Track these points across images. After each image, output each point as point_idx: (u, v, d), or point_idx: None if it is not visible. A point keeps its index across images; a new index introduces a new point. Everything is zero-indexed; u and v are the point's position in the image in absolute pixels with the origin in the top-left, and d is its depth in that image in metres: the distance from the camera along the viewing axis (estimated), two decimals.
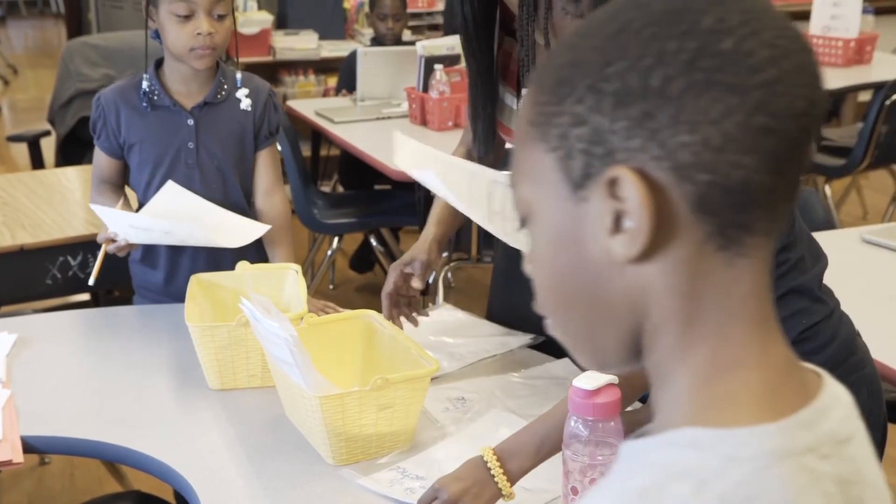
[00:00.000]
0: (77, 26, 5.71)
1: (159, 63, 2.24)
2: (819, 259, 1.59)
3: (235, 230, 2.11)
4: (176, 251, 2.25)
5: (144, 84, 2.20)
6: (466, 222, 2.10)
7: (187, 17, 2.10)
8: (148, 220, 2.07)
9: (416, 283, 2.05)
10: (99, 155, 2.29)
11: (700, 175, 0.68)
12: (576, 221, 0.72)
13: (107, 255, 2.14)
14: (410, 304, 2.00)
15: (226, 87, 2.21)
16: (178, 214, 2.09)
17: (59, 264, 2.72)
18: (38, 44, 11.28)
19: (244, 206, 2.26)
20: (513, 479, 1.45)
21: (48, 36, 11.39)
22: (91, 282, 2.16)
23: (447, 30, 4.80)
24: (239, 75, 2.23)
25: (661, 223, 0.69)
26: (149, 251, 2.27)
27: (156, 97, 2.21)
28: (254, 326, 1.67)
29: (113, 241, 2.10)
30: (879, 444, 1.61)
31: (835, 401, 0.73)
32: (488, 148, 2.03)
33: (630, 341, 0.74)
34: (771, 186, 0.69)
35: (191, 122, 2.19)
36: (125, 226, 2.07)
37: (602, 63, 0.70)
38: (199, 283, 2.02)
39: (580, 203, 0.71)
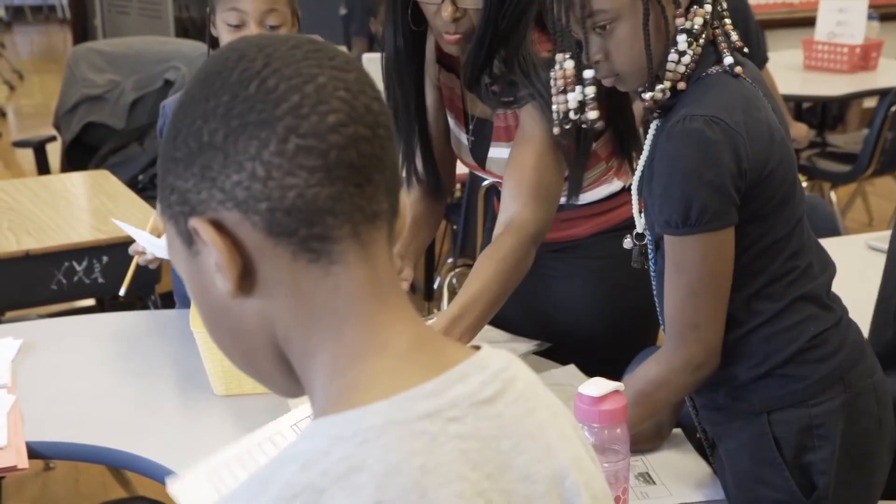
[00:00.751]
0: (83, 32, 5.72)
1: None
2: (827, 267, 1.59)
3: None
4: None
5: None
6: (471, 230, 2.10)
7: (238, 27, 2.09)
8: (159, 240, 2.06)
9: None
10: None
11: (259, 205, 0.77)
12: (198, 275, 0.82)
13: (138, 267, 2.14)
14: None
15: None
16: None
17: (64, 269, 2.72)
18: (44, 49, 11.30)
19: None
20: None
21: (54, 41, 11.41)
22: (122, 291, 2.16)
23: None
24: None
25: (246, 254, 0.79)
26: None
27: None
28: None
29: (142, 253, 2.10)
30: (891, 450, 1.60)
31: (477, 368, 0.81)
32: (432, 173, 2.05)
33: (280, 362, 0.83)
34: (332, 195, 0.77)
35: None
36: (146, 242, 2.06)
37: (173, 137, 0.81)
38: None
39: (195, 258, 0.82)
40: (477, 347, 0.84)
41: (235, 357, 0.87)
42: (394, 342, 0.80)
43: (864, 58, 4.94)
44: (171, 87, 4.11)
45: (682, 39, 1.46)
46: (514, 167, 1.84)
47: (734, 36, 1.51)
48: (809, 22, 5.15)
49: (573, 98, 1.53)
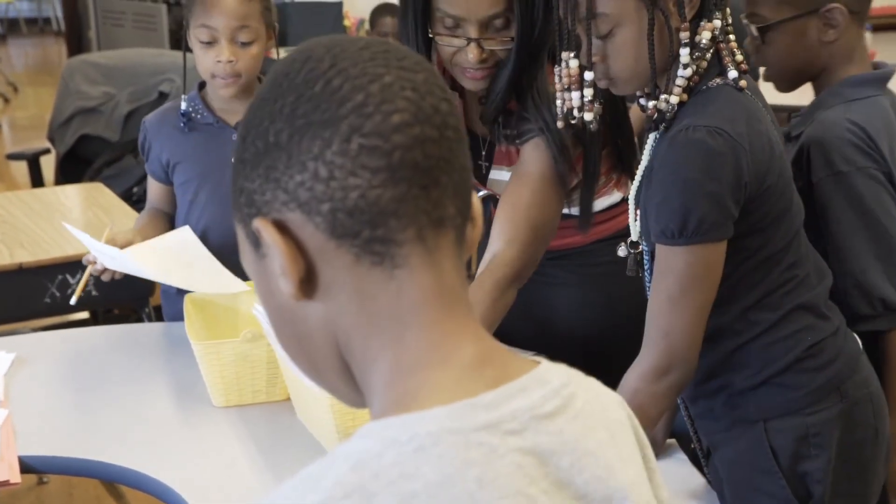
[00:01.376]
0: (77, 44, 5.73)
1: (202, 84, 2.25)
2: (824, 276, 1.59)
3: (216, 281, 2.07)
4: None
5: (183, 105, 2.22)
6: None
7: (210, 44, 2.10)
8: (112, 250, 2.03)
9: None
10: (149, 180, 2.33)
11: (322, 206, 0.76)
12: (265, 278, 0.82)
13: (92, 277, 2.12)
14: None
15: None
16: (173, 256, 2.08)
17: (57, 283, 2.71)
18: (39, 61, 11.30)
19: None
20: None
21: (49, 54, 11.40)
22: (73, 301, 2.16)
23: None
24: None
25: (309, 257, 0.78)
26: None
27: (199, 116, 2.22)
28: (267, 332, 1.67)
29: (94, 263, 2.07)
30: (887, 460, 1.60)
31: (538, 382, 0.79)
32: None
33: (343, 371, 0.82)
34: (396, 196, 0.76)
35: (235, 137, 2.19)
36: (97, 251, 2.05)
37: (242, 138, 0.81)
38: (194, 303, 2.01)
39: (262, 260, 0.81)
40: (537, 361, 0.82)
41: (302, 363, 0.85)
42: (458, 353, 0.78)
43: None
44: (167, 98, 4.11)
45: (684, 53, 1.45)
46: (508, 201, 1.82)
47: (739, 56, 1.50)
48: None
49: (577, 97, 1.53)
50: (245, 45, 2.11)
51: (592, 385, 0.85)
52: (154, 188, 2.32)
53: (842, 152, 1.68)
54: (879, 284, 1.69)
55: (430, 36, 1.77)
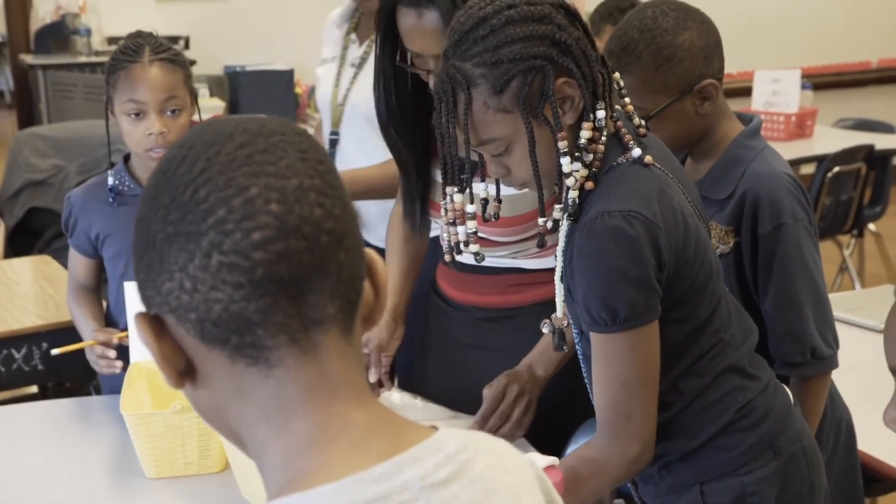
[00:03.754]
0: (28, 116, 5.71)
1: (128, 157, 2.25)
2: (749, 333, 1.61)
3: None
4: None
5: (110, 179, 2.21)
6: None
7: (138, 116, 2.10)
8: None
9: (371, 375, 2.03)
10: (73, 256, 2.29)
11: (189, 314, 0.76)
12: None
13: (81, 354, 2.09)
14: None
15: None
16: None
17: (2, 357, 2.68)
18: None
19: None
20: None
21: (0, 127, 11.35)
22: (55, 352, 2.11)
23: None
24: None
25: (186, 353, 0.79)
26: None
27: (127, 188, 2.21)
28: None
29: (107, 346, 2.04)
30: None
31: (432, 450, 0.79)
32: (426, 228, 2.06)
33: (238, 442, 0.83)
34: (261, 308, 0.75)
35: None
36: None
37: (137, 221, 0.82)
38: (139, 371, 2.00)
39: None
40: (435, 428, 0.82)
41: (215, 430, 0.86)
42: (348, 431, 0.78)
43: (800, 126, 5.06)
44: None
45: (565, 162, 1.45)
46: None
47: (636, 119, 1.53)
48: (746, 92, 5.27)
49: (462, 231, 1.55)
50: (173, 114, 2.12)
51: (497, 447, 0.85)
52: (80, 264, 2.29)
53: (788, 205, 1.73)
54: (811, 333, 1.75)
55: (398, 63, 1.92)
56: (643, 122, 1.55)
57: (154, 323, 0.79)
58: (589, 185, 1.47)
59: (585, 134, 1.46)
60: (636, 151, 1.48)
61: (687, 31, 1.74)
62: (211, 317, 0.76)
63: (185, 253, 0.76)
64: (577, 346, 1.61)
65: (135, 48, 2.11)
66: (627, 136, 1.50)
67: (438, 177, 2.00)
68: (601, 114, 1.47)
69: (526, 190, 1.81)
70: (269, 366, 0.77)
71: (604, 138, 1.47)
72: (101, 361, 2.07)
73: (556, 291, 1.59)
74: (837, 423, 1.92)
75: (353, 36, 2.61)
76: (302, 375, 0.77)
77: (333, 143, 2.68)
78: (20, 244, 4.21)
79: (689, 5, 1.81)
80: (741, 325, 1.60)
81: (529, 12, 1.42)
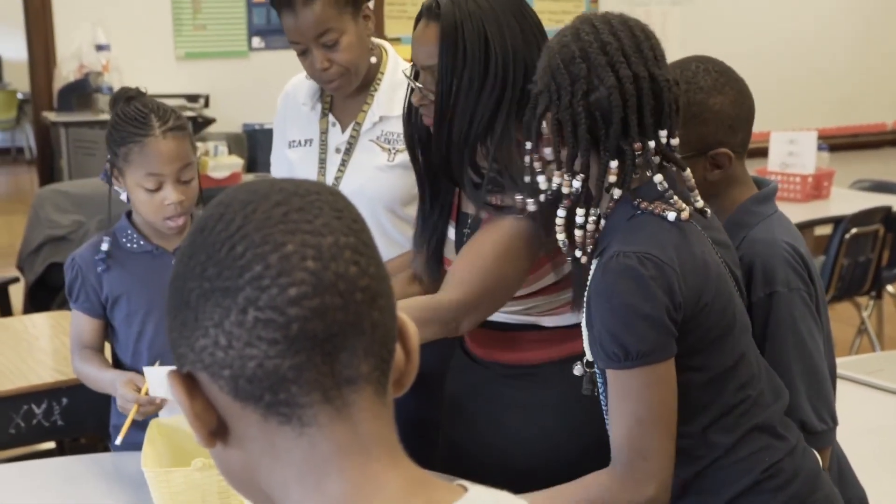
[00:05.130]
0: (49, 173, 5.75)
1: (129, 213, 2.24)
2: (780, 394, 1.60)
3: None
4: None
5: (105, 245, 2.19)
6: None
7: (156, 189, 2.10)
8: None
9: None
10: (78, 318, 2.24)
11: (223, 371, 0.76)
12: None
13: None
14: None
15: None
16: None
17: (22, 413, 2.69)
18: (11, 190, 11.33)
19: None
20: None
21: (21, 182, 11.45)
22: (118, 441, 2.06)
23: None
24: None
25: (218, 412, 0.79)
26: None
27: (135, 245, 2.20)
28: None
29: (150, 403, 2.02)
30: None
31: None
32: (433, 273, 2.05)
33: (267, 503, 0.82)
34: (295, 365, 0.75)
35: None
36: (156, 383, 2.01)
37: (171, 280, 0.81)
38: (160, 428, 2.00)
39: None
40: (465, 487, 0.82)
41: (244, 495, 0.86)
42: (382, 491, 0.78)
43: (817, 187, 5.07)
44: None
45: (579, 213, 1.53)
46: (470, 245, 1.87)
47: (699, 201, 1.55)
48: (762, 153, 5.29)
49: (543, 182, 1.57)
50: (186, 182, 2.13)
51: None
52: (88, 325, 2.23)
53: (782, 273, 1.72)
54: (802, 406, 1.71)
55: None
56: (706, 209, 1.57)
57: (187, 381, 0.79)
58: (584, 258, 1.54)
59: (576, 184, 1.52)
60: (671, 215, 1.50)
61: (721, 95, 1.75)
62: (245, 373, 0.76)
63: (221, 309, 0.76)
64: (598, 386, 1.60)
65: (142, 119, 2.09)
66: (673, 200, 1.51)
67: (452, 234, 2.03)
68: (594, 170, 1.51)
69: None
70: (302, 424, 0.77)
71: (616, 193, 1.51)
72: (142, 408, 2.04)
73: (584, 335, 1.60)
74: None
75: (332, 118, 2.40)
76: (335, 434, 0.77)
77: None
78: (40, 299, 4.23)
79: (735, 72, 1.81)
80: (771, 384, 1.59)
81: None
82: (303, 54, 2.23)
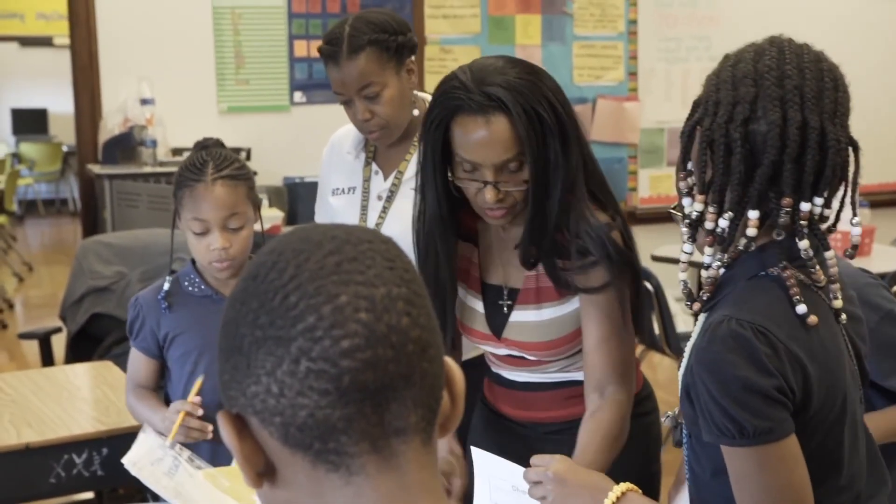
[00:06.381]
0: (93, 224, 5.83)
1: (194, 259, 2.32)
2: (882, 483, 1.50)
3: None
4: None
5: (166, 286, 2.29)
6: None
7: (203, 234, 2.18)
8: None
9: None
10: (136, 357, 2.35)
11: (274, 418, 0.77)
12: None
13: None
14: None
15: None
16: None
17: (63, 462, 2.70)
18: (54, 241, 11.50)
19: None
20: None
21: (64, 233, 11.62)
22: (168, 442, 2.18)
23: None
24: None
25: (266, 457, 0.79)
26: None
27: (196, 288, 2.29)
28: None
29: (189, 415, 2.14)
30: None
31: None
32: (453, 344, 2.05)
33: None
34: (345, 416, 0.76)
35: None
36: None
37: (223, 324, 0.82)
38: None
39: None
40: None
41: None
42: None
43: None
44: None
45: (708, 252, 1.39)
46: (596, 343, 1.87)
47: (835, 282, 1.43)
48: None
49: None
50: (235, 230, 2.17)
51: None
52: (144, 364, 2.35)
53: (876, 295, 1.77)
54: None
55: (450, 178, 1.87)
56: (842, 313, 1.44)
57: (237, 422, 0.80)
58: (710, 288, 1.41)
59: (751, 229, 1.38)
60: (801, 308, 1.36)
61: None
62: (296, 422, 0.76)
63: (274, 358, 0.76)
64: (684, 449, 1.53)
65: (200, 165, 2.18)
66: (805, 281, 1.39)
67: (472, 303, 2.01)
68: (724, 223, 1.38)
69: (554, 314, 1.90)
70: (349, 473, 0.77)
71: (751, 245, 1.38)
72: (193, 433, 2.14)
73: (679, 385, 1.48)
74: None
75: (375, 166, 2.46)
76: (382, 484, 0.78)
77: None
78: (81, 350, 4.27)
79: None
80: (875, 473, 1.49)
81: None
82: (346, 104, 2.30)
